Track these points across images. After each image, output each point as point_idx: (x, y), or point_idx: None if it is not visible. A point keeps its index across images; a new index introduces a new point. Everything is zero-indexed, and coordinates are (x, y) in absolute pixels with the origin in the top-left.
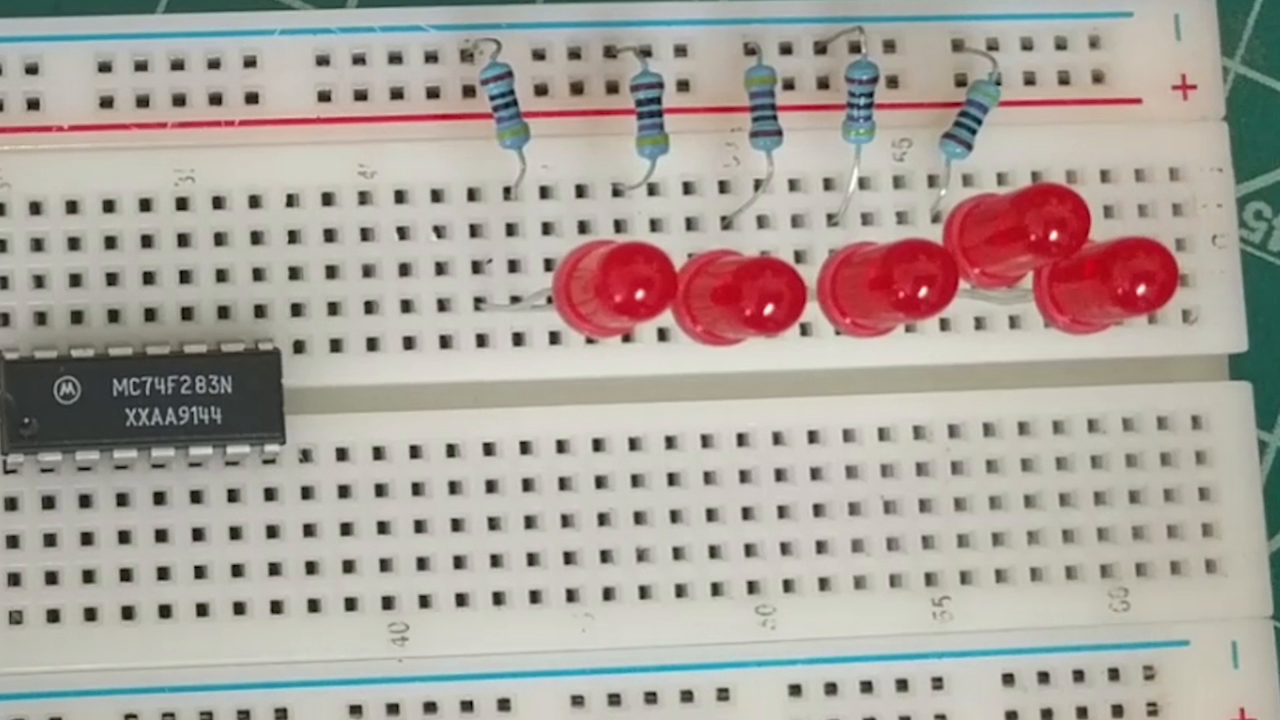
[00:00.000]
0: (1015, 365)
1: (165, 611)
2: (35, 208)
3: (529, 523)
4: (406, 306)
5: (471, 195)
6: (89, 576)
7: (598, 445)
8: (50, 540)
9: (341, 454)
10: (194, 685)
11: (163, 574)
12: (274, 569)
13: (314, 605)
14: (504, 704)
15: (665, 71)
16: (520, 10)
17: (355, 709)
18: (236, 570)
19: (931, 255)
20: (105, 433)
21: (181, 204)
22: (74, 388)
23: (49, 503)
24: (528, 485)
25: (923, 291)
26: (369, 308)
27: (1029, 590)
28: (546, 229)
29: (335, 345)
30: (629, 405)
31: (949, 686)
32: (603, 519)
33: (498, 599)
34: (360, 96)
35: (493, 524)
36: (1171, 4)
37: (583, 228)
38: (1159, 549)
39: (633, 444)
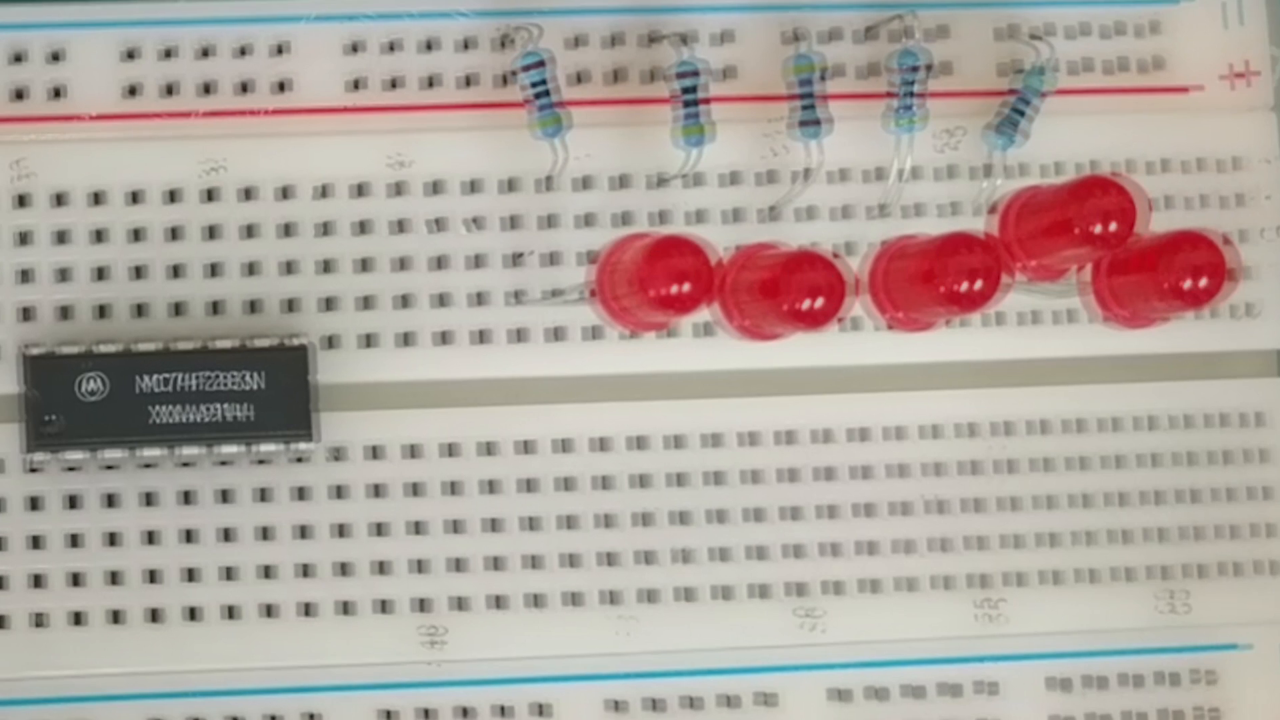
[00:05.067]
0: (1066, 361)
1: (193, 614)
2: (59, 199)
3: (567, 523)
4: (441, 301)
5: (508, 186)
6: (115, 578)
7: (637, 443)
8: (75, 541)
9: (374, 452)
10: (222, 689)
11: (190, 575)
12: (305, 570)
13: (346, 607)
14: (541, 709)
15: (707, 59)
16: None
17: (388, 714)
18: (266, 572)
19: (981, 248)
20: (131, 430)
21: (210, 195)
22: (99, 384)
23: (73, 502)
24: (565, 484)
25: (973, 285)
26: (402, 302)
27: (1081, 592)
28: (585, 221)
29: (368, 340)
30: (669, 402)
31: (998, 690)
32: (642, 519)
33: (534, 601)
34: (393, 85)
35: (530, 524)
36: None
37: (622, 219)
38: (1215, 549)
39: (673, 442)
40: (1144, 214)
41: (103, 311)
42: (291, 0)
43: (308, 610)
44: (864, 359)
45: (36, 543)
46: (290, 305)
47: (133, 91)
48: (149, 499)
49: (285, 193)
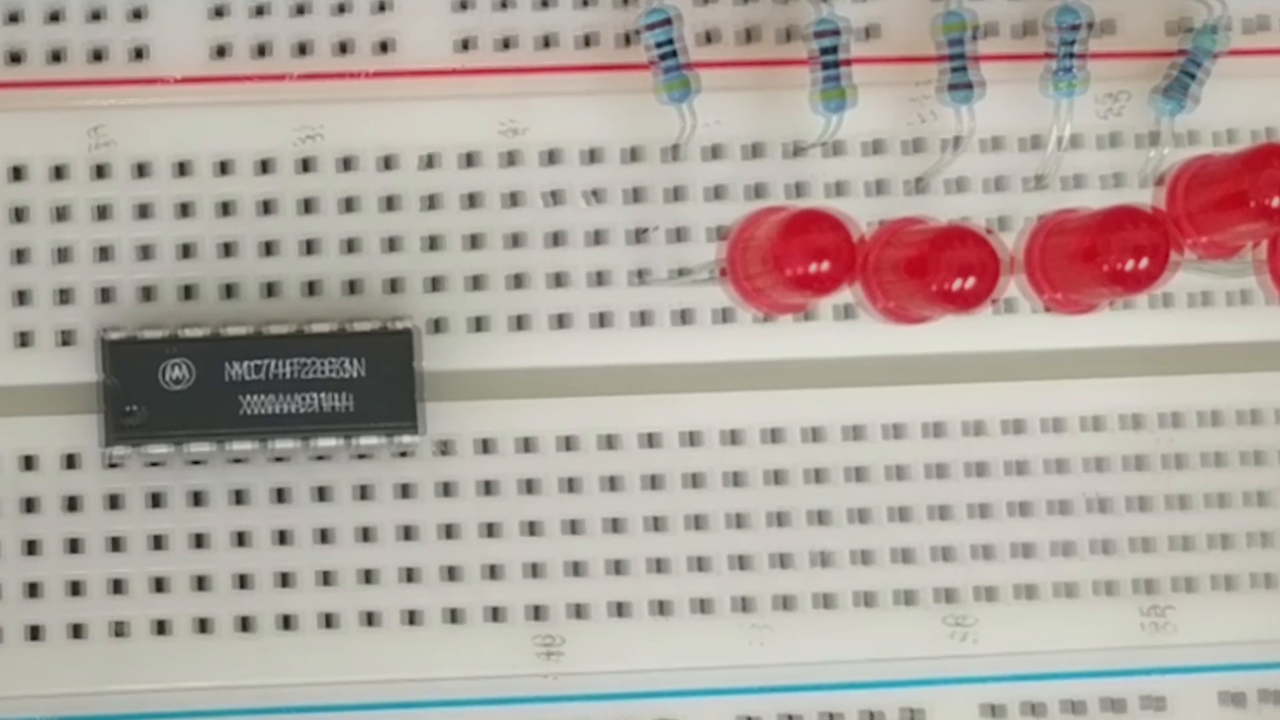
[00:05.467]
0: (1239, 346)
1: (287, 623)
2: (141, 169)
3: (695, 523)
4: (558, 280)
5: (630, 156)
6: (201, 583)
7: (772, 436)
8: (158, 543)
9: (485, 446)
10: (319, 705)
11: (284, 580)
12: (409, 575)
13: (454, 615)
14: None
15: (848, 17)
16: None
17: None
18: (367, 576)
19: (1147, 223)
20: (219, 422)
21: (305, 165)
22: (184, 372)
23: (156, 500)
24: (693, 481)
25: (1139, 263)
26: (515, 282)
27: (1256, 599)
28: (714, 193)
29: (478, 324)
30: (807, 391)
31: (1165, 706)
32: (777, 519)
33: (660, 608)
34: (505, 45)
35: (654, 524)
36: None
37: (755, 192)
38: None
39: (811, 435)
40: None
41: (188, 292)
42: None
43: (412, 618)
44: (1019, 344)
45: (116, 545)
46: (393, 285)
47: (221, 52)
48: (238, 497)
49: (388, 163)
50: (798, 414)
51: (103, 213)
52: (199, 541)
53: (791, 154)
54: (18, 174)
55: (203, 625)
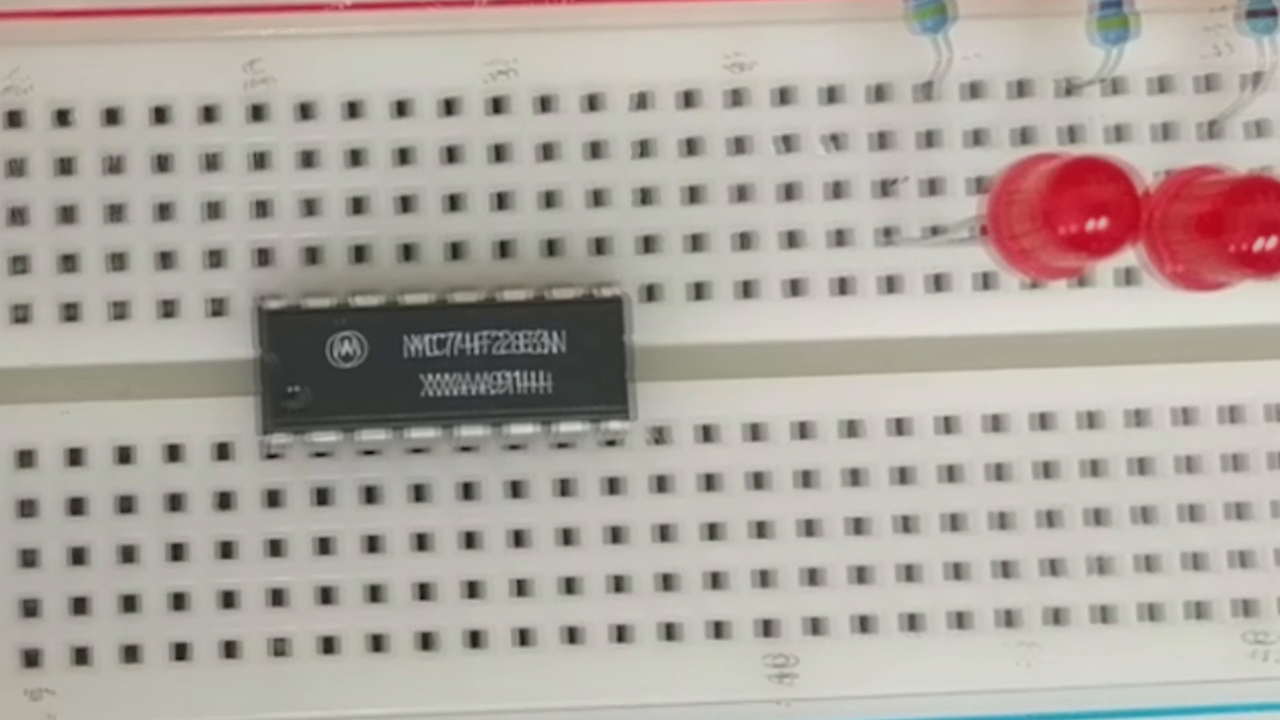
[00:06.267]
0: None
1: (475, 639)
2: (305, 110)
3: (951, 523)
4: (790, 240)
5: (875, 94)
6: (375, 593)
7: (1041, 421)
8: (324, 546)
9: (705, 433)
10: None
11: (471, 590)
12: (617, 584)
13: (670, 631)
14: None
15: None
16: None
17: None
18: (568, 586)
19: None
20: (396, 406)
21: (496, 106)
22: (356, 347)
23: (322, 497)
24: (949, 474)
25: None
26: (741, 242)
27: None
28: (974, 139)
29: (697, 291)
30: (1082, 370)
31: None
32: (1048, 518)
33: (909, 623)
34: None
35: (903, 524)
36: None
37: (1021, 137)
38: None
39: (1087, 420)
40: None
41: (360, 254)
42: None
43: (621, 635)
44: None
45: (275, 549)
46: (599, 246)
47: None
48: (418, 493)
49: (592, 103)
50: (1071, 396)
51: (259, 161)
52: (372, 545)
53: (1064, 92)
54: (161, 116)
55: (376, 643)
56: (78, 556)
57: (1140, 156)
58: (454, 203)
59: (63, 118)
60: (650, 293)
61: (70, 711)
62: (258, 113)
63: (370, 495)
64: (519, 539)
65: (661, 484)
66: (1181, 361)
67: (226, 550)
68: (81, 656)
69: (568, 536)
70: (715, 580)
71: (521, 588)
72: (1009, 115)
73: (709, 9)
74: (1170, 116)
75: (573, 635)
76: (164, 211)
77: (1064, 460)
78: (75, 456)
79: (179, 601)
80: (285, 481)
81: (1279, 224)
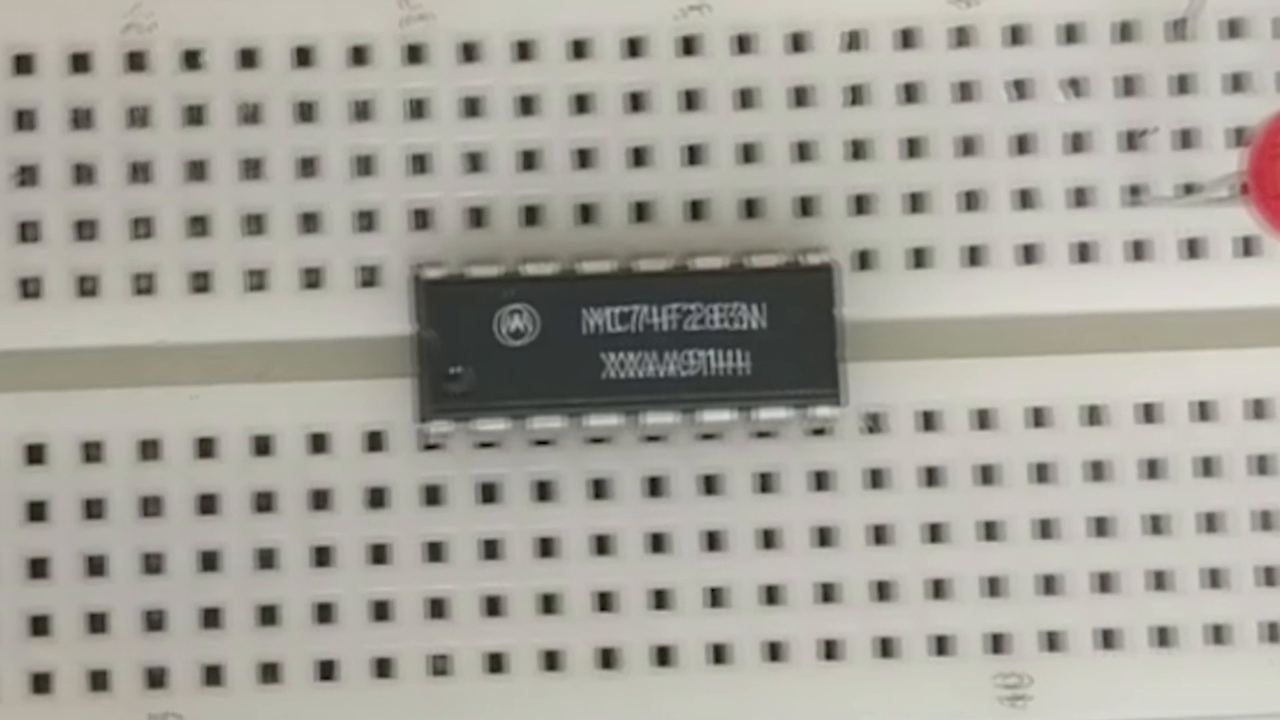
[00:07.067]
0: None
1: (662, 656)
2: (468, 52)
3: (1208, 523)
4: (1023, 200)
5: (1120, 33)
6: (548, 604)
7: None
8: (490, 550)
9: (927, 420)
10: None
11: (659, 600)
12: (825, 593)
13: (886, 647)
14: None
15: None
16: None
17: None
18: (769, 595)
19: None
20: (573, 389)
21: (686, 46)
22: (527, 322)
23: (488, 493)
24: (1205, 467)
25: None
26: (967, 202)
27: None
28: (1234, 83)
29: (917, 258)
30: None
31: None
32: None
33: (1160, 638)
34: None
35: (1154, 525)
36: None
37: None
38: None
39: None
40: None
41: (531, 216)
42: None
43: (829, 651)
44: None
45: (434, 553)
46: (804, 207)
47: None
48: (598, 489)
49: (795, 42)
50: None
51: (417, 109)
52: (545, 549)
53: None
54: (304, 58)
55: (550, 660)
56: (209, 561)
57: None
58: (638, 157)
59: (191, 60)
60: (863, 260)
61: None
62: (414, 54)
63: (543, 491)
64: (713, 541)
65: (876, 479)
66: None
67: (379, 555)
68: (213, 675)
69: (769, 539)
70: (938, 589)
71: (716, 597)
72: (1274, 57)
73: None
74: None
75: (774, 651)
76: (307, 167)
77: None
78: (205, 447)
79: (324, 613)
80: (447, 475)
81: None
